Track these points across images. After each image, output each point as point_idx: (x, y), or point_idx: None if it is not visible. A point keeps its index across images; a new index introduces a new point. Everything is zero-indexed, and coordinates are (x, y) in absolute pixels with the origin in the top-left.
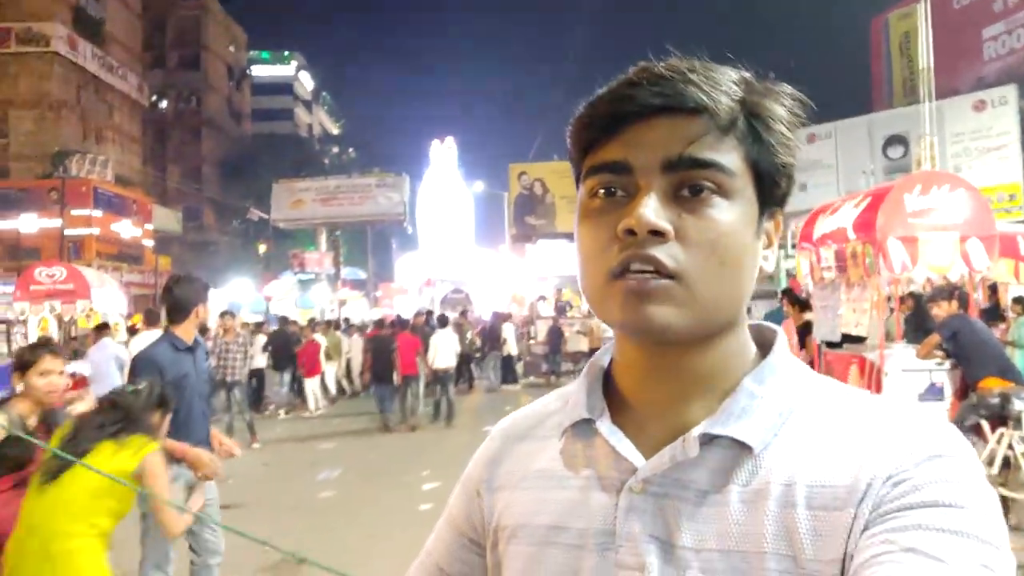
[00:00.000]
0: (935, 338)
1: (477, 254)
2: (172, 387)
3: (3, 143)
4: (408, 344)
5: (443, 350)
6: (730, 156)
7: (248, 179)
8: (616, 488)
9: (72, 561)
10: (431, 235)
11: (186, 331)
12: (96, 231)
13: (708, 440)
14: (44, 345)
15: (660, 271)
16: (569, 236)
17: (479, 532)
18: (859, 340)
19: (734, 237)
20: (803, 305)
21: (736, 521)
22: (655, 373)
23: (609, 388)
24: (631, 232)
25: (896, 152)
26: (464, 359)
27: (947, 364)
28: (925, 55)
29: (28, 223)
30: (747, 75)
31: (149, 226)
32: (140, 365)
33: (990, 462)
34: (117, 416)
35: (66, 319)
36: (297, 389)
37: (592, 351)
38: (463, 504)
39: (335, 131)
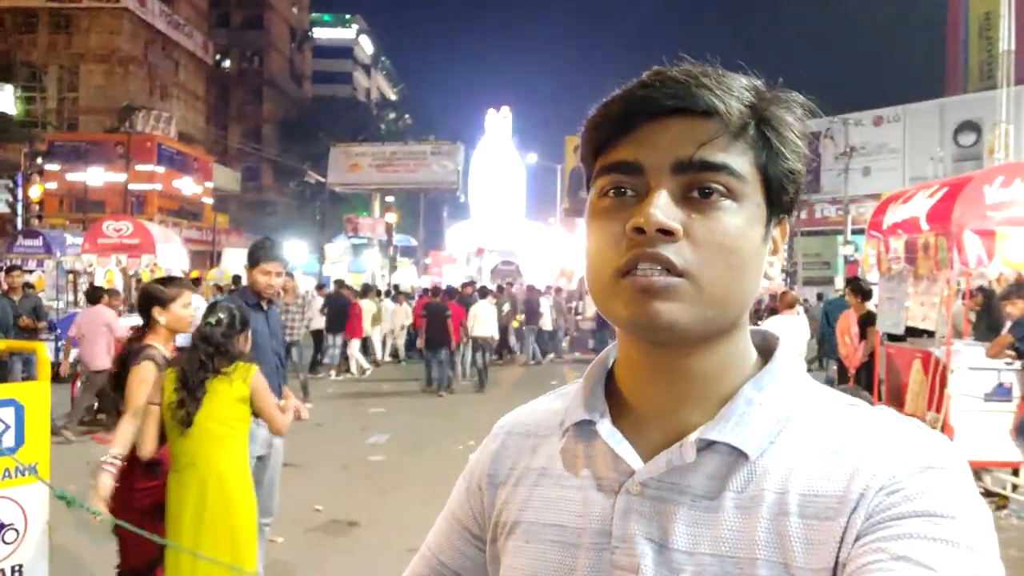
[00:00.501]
0: (1007, 338)
1: (528, 226)
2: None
3: (73, 96)
4: (456, 313)
5: (482, 319)
6: (740, 160)
7: (306, 141)
8: (614, 489)
9: (224, 484)
10: (483, 205)
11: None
12: (159, 187)
13: (705, 445)
14: (178, 280)
15: (668, 269)
16: None
17: (480, 526)
18: (923, 334)
19: (742, 240)
20: (866, 295)
21: (730, 527)
22: (656, 375)
23: (611, 389)
24: (640, 231)
25: (968, 139)
26: (502, 331)
27: (1018, 364)
28: (1006, 37)
29: (95, 176)
30: (758, 82)
31: (209, 184)
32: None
33: None
34: (211, 351)
35: (130, 273)
36: (344, 352)
37: None
38: (464, 498)
39: (392, 96)
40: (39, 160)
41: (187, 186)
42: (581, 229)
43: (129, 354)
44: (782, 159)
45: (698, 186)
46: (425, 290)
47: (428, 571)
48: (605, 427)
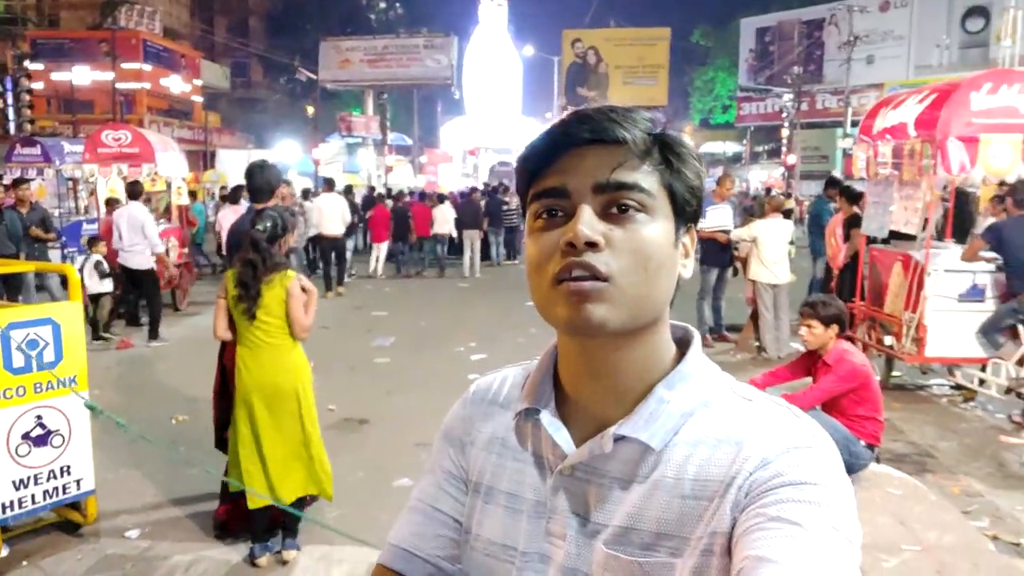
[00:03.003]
0: (979, 242)
1: (524, 122)
2: None
3: None
4: (421, 213)
5: (439, 220)
6: (649, 179)
7: (295, 34)
8: (551, 468)
9: (280, 353)
10: (478, 101)
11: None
12: (147, 85)
13: (621, 438)
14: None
15: (596, 275)
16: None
17: (465, 473)
18: (906, 237)
19: (655, 246)
20: (853, 197)
21: (636, 505)
22: (588, 371)
23: (559, 377)
24: (571, 245)
25: (976, 24)
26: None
27: (992, 267)
28: None
29: (81, 75)
30: (655, 116)
31: (198, 81)
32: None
33: (1021, 362)
34: (259, 257)
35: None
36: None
37: None
38: (446, 452)
39: None
40: (25, 63)
41: (175, 84)
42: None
43: None
44: (684, 177)
45: (616, 203)
46: (395, 195)
47: (424, 518)
48: (546, 416)
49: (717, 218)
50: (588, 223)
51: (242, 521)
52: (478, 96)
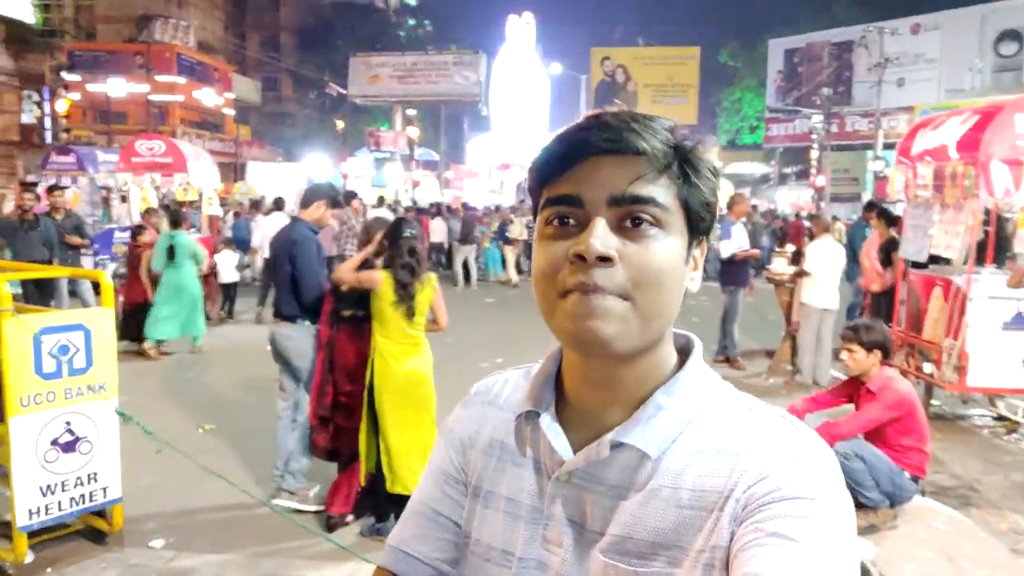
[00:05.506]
0: None
1: (550, 140)
2: (322, 261)
3: (89, 4)
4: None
5: (435, 230)
6: (665, 193)
7: (325, 50)
8: (548, 474)
9: (421, 345)
10: (504, 117)
11: (308, 216)
12: (180, 98)
13: (618, 445)
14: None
15: (606, 292)
16: None
17: (465, 475)
18: (941, 261)
19: (668, 263)
20: (891, 220)
21: (633, 513)
22: (590, 381)
23: (561, 381)
24: (581, 257)
25: (1009, 48)
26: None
27: None
28: None
29: (116, 87)
30: (675, 124)
31: (230, 95)
32: (310, 238)
33: None
34: (415, 259)
35: (163, 191)
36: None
37: None
38: (450, 453)
39: (411, 1)
40: (62, 73)
41: (208, 97)
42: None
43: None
44: (700, 192)
45: (630, 217)
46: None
47: (424, 521)
48: (546, 420)
49: (742, 237)
50: (601, 237)
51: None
52: (505, 113)
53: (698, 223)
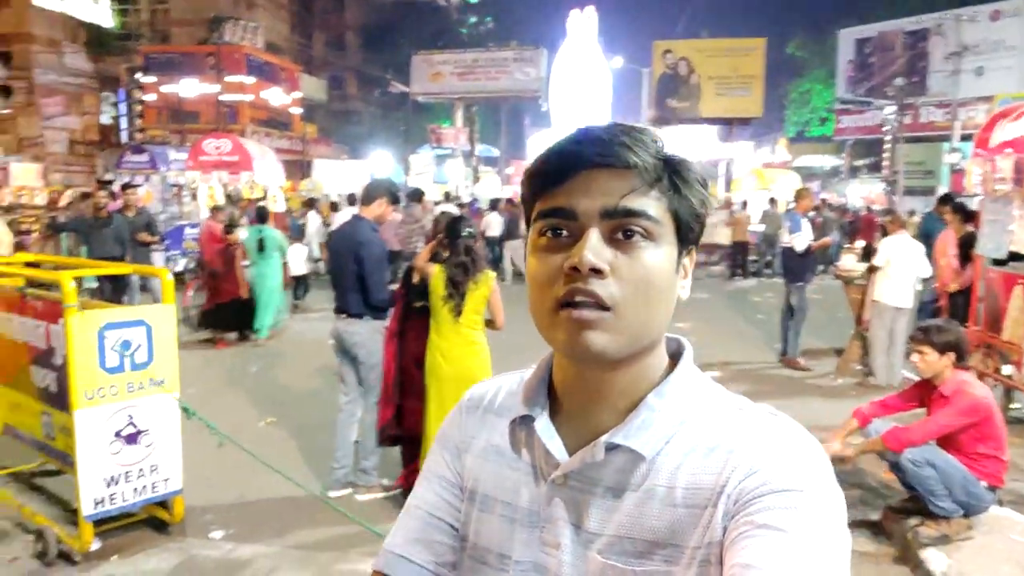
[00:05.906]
0: None
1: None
2: (387, 256)
3: (164, 8)
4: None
5: (492, 224)
6: (656, 206)
7: (388, 49)
8: (544, 477)
9: (477, 342)
10: (564, 112)
11: (369, 213)
12: (249, 97)
13: (613, 446)
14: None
15: (599, 303)
16: (712, 121)
17: (461, 480)
18: (1018, 258)
19: (659, 274)
20: (967, 215)
21: (629, 514)
22: (583, 386)
23: (554, 385)
24: (575, 269)
25: None
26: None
27: None
28: None
29: (188, 88)
30: (662, 136)
31: (297, 94)
32: (375, 238)
33: None
34: (470, 259)
35: (230, 189)
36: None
37: (736, 244)
38: (445, 458)
39: None
40: (137, 75)
41: (276, 96)
42: (667, 139)
43: None
44: (689, 203)
45: (622, 229)
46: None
47: (421, 524)
48: (541, 423)
49: (809, 231)
50: (594, 249)
51: None
52: (565, 107)
53: (687, 233)
